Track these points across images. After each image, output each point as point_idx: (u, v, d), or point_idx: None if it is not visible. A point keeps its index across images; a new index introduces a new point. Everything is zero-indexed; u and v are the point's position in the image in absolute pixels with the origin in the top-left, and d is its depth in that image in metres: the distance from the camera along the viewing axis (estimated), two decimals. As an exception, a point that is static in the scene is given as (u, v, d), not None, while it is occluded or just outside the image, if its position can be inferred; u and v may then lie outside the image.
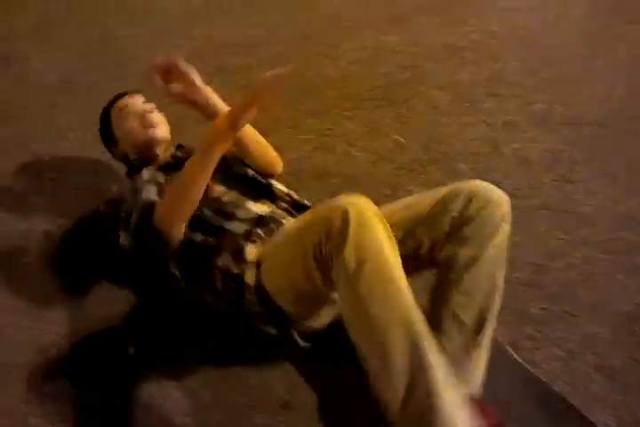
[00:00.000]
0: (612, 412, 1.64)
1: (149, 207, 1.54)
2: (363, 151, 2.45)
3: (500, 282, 1.50)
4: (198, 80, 1.56)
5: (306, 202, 1.86)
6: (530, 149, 2.43)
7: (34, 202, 2.26)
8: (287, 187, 1.91)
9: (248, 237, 1.63)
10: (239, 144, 1.78)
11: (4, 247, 2.10)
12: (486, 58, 2.93)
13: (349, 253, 1.28)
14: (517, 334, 1.81)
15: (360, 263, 1.28)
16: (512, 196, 2.31)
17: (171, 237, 1.51)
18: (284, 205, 1.81)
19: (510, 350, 1.72)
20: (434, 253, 1.55)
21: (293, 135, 2.54)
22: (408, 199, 1.65)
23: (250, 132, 1.79)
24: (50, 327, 1.86)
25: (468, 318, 1.44)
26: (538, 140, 2.48)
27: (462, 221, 1.51)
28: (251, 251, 1.59)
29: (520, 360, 1.69)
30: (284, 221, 1.71)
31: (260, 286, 1.51)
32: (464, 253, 1.48)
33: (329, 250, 1.32)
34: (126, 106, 1.92)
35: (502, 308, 1.51)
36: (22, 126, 2.60)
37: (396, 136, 2.50)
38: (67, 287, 1.97)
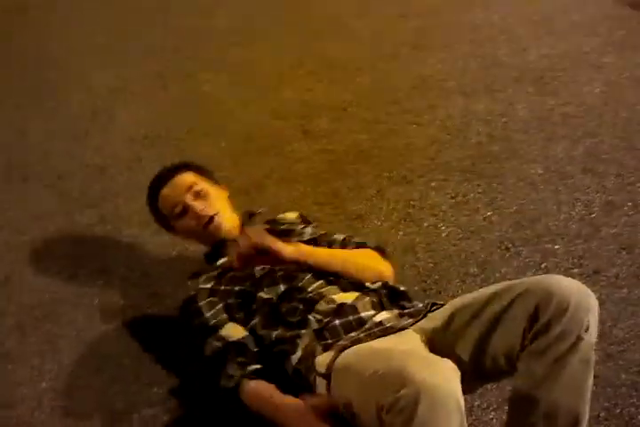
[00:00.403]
0: None
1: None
2: (451, 226, 2.34)
3: (585, 408, 1.32)
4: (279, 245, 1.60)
5: (401, 288, 1.71)
6: (632, 234, 2.27)
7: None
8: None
9: (321, 337, 1.52)
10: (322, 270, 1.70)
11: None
12: (581, 132, 2.80)
13: None
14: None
15: None
16: (612, 285, 2.25)
17: None
18: (373, 296, 1.64)
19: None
20: (507, 365, 1.39)
21: (378, 205, 2.46)
22: (481, 294, 1.46)
23: (333, 261, 1.72)
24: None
25: None
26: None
27: (535, 333, 1.31)
28: (323, 360, 1.45)
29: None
30: (365, 314, 1.57)
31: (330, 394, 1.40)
32: (538, 371, 1.30)
33: (389, 422, 1.16)
34: (173, 201, 1.88)
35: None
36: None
37: (489, 212, 2.38)
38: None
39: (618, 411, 1.69)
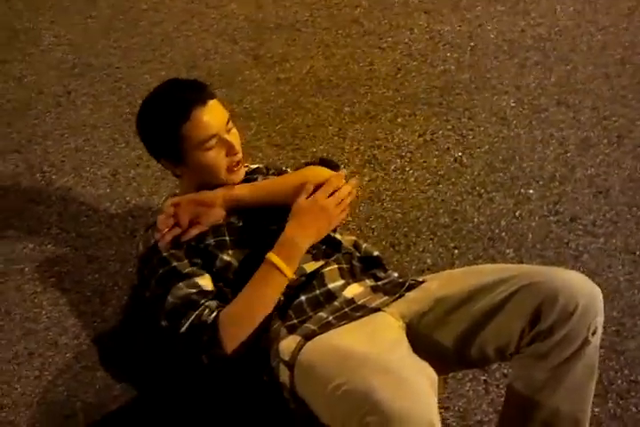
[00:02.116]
0: None
1: (199, 324, 1.34)
2: (419, 169, 2.19)
3: (587, 412, 1.26)
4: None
5: (375, 253, 1.54)
6: (609, 176, 2.16)
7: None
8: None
9: (285, 317, 1.36)
10: (270, 204, 1.51)
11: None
12: (554, 58, 2.63)
13: None
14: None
15: None
16: (590, 234, 2.17)
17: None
18: (343, 262, 1.47)
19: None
20: (497, 358, 1.30)
21: (339, 144, 2.28)
22: (470, 284, 1.31)
23: (271, 190, 1.52)
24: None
25: None
26: (617, 164, 2.20)
27: (535, 335, 1.21)
28: (287, 346, 1.29)
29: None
30: (333, 285, 1.41)
31: (294, 390, 1.26)
32: (539, 375, 1.22)
33: None
34: (213, 130, 1.44)
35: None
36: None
37: (459, 153, 2.23)
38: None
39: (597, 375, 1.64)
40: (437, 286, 1.36)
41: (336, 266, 1.45)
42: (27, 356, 1.68)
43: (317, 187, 1.45)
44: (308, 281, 1.42)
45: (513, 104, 2.43)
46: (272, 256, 1.36)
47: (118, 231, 1.96)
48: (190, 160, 1.46)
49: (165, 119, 1.43)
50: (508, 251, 1.94)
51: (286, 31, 2.82)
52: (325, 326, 1.31)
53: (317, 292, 1.40)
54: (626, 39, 2.73)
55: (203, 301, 1.36)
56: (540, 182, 2.14)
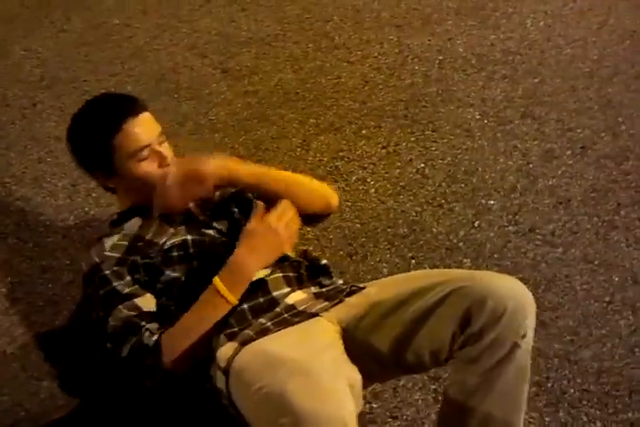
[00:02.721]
0: None
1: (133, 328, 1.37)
2: (380, 180, 2.21)
3: (520, 416, 1.26)
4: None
5: (322, 261, 1.53)
6: (570, 186, 2.18)
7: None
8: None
9: (226, 325, 1.36)
10: (260, 191, 1.55)
11: None
12: (522, 72, 2.66)
13: None
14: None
15: None
16: (548, 244, 2.18)
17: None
18: (290, 271, 1.48)
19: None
20: (432, 363, 1.30)
21: (303, 156, 2.30)
22: (405, 289, 1.32)
23: (269, 178, 1.56)
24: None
25: None
26: (579, 175, 2.22)
27: (466, 339, 1.22)
28: (225, 353, 1.29)
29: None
30: (278, 293, 1.42)
31: (230, 397, 1.26)
32: (471, 380, 1.22)
33: None
34: (144, 141, 1.48)
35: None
36: None
37: (422, 164, 2.25)
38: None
39: (550, 385, 1.65)
40: (376, 291, 1.37)
41: (281, 274, 1.46)
42: (-27, 365, 1.68)
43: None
44: (252, 289, 1.43)
45: (478, 116, 2.46)
46: (217, 282, 1.36)
47: (75, 242, 1.97)
48: (123, 172, 1.50)
49: (97, 130, 1.47)
50: (465, 260, 1.95)
51: (257, 45, 2.86)
52: (263, 332, 1.32)
53: (261, 300, 1.41)
54: (594, 53, 2.77)
55: (143, 323, 1.37)
56: (501, 193, 2.16)
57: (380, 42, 2.85)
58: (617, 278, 1.90)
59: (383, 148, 2.33)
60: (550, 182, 2.20)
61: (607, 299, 1.85)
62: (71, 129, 1.55)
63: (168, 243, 1.49)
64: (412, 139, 2.36)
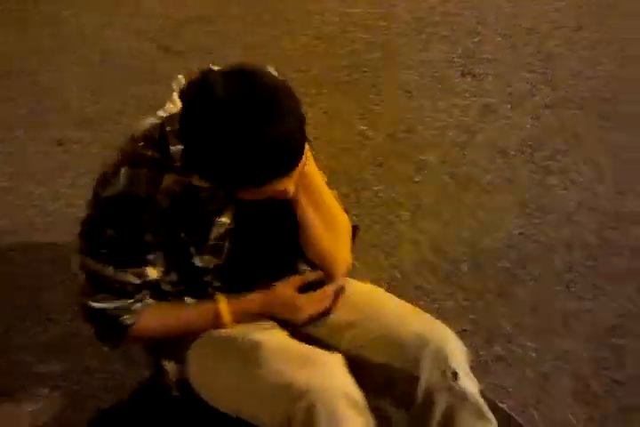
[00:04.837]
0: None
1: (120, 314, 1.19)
2: (322, 142, 2.31)
3: None
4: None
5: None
6: (508, 137, 2.29)
7: None
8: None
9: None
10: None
11: None
12: (462, 32, 2.76)
13: None
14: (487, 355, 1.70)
15: None
16: (485, 191, 2.28)
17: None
18: None
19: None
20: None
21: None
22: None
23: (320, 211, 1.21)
24: None
25: None
26: (517, 126, 2.33)
27: (398, 402, 1.21)
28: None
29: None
30: None
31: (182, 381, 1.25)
32: None
33: None
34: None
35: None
36: None
37: (363, 126, 2.36)
38: None
39: (485, 322, 1.75)
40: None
41: None
42: None
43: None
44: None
45: (417, 77, 2.56)
46: (222, 302, 1.21)
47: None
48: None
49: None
50: (404, 213, 2.06)
51: (198, 23, 2.94)
52: None
53: None
54: (534, 9, 2.88)
55: (133, 298, 1.18)
56: (441, 148, 2.27)
57: (321, 12, 2.94)
58: (552, 220, 2.01)
59: (325, 113, 2.43)
60: (488, 135, 2.31)
61: (542, 239, 1.96)
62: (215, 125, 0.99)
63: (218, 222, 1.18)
64: (354, 102, 2.46)
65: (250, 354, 1.15)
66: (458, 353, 1.19)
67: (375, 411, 1.13)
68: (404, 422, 1.21)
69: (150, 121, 1.13)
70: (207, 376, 1.22)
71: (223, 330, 1.22)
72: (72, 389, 1.62)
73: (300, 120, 1.02)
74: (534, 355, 1.69)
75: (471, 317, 1.75)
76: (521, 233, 1.98)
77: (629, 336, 1.71)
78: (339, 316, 1.26)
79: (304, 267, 1.30)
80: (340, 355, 1.14)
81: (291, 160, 1.00)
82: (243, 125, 0.96)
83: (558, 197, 2.08)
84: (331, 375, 1.10)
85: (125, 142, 1.13)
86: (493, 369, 1.65)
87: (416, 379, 1.16)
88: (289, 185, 1.05)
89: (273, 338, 1.18)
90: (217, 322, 1.21)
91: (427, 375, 1.16)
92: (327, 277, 1.26)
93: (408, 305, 1.28)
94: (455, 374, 1.16)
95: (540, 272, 1.88)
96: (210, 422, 1.19)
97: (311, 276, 1.27)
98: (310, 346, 1.17)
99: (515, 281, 1.86)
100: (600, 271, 1.87)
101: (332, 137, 2.33)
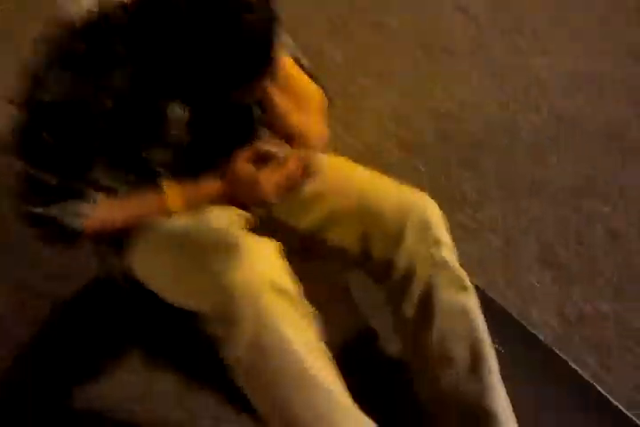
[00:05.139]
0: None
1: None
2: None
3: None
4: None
5: None
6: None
7: None
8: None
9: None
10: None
11: None
12: None
13: (242, 351, 0.96)
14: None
15: (258, 369, 0.97)
16: (449, 53, 2.15)
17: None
18: None
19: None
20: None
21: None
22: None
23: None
24: None
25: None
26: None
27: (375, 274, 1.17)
28: None
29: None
30: None
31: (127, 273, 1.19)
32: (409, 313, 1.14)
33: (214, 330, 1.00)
34: None
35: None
36: None
37: None
38: None
39: (449, 190, 1.71)
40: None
41: None
42: None
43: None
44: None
45: None
46: (168, 187, 1.13)
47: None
48: None
49: None
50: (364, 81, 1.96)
51: None
52: None
53: None
54: None
55: (77, 201, 1.11)
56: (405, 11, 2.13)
57: None
58: (521, 83, 1.93)
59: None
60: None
61: (506, 101, 1.89)
62: None
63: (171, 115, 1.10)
64: None
65: (184, 243, 1.08)
66: (440, 222, 1.14)
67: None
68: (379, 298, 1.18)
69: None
70: (146, 268, 1.16)
71: (166, 220, 1.12)
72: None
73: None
74: (500, 222, 1.67)
75: (435, 186, 1.71)
76: (487, 96, 1.91)
77: (594, 197, 1.69)
78: (304, 190, 1.17)
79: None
80: (275, 243, 1.03)
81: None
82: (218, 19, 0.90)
83: (527, 60, 1.98)
84: (256, 264, 0.98)
85: (58, 33, 0.99)
86: (458, 238, 1.63)
87: (396, 249, 1.11)
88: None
89: (212, 223, 1.08)
90: (163, 208, 1.13)
91: (408, 244, 1.11)
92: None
93: (383, 176, 1.21)
94: (438, 243, 1.12)
95: (505, 140, 1.82)
96: (160, 312, 1.14)
97: (269, 146, 1.15)
98: (246, 232, 1.07)
99: (482, 148, 1.80)
100: (568, 132, 1.81)
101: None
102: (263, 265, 0.99)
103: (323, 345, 1.00)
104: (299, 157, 1.14)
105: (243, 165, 1.13)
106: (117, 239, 1.18)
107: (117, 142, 1.08)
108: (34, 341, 1.39)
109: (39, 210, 1.08)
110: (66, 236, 1.12)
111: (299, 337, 0.96)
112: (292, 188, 1.14)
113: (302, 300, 1.00)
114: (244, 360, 0.96)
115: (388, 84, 1.96)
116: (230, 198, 1.15)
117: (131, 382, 1.29)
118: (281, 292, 0.97)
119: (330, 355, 0.99)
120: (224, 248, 1.00)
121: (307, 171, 1.14)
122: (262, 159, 1.13)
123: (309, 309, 1.00)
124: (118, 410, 1.25)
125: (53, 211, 1.08)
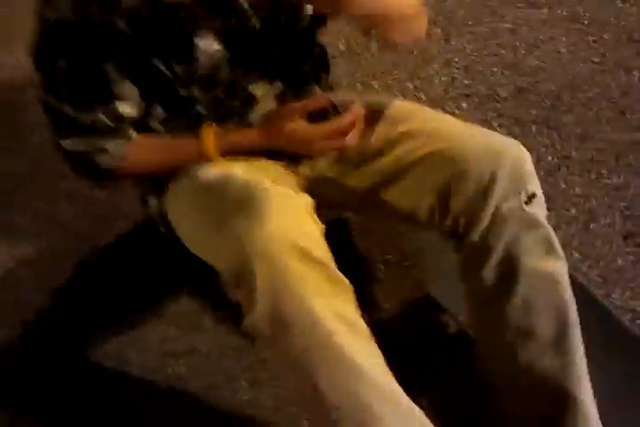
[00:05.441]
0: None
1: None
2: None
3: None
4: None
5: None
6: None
7: None
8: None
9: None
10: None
11: None
12: None
13: (261, 317, 0.84)
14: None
15: (280, 343, 0.85)
16: (532, 5, 1.93)
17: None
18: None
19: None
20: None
21: None
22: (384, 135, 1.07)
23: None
24: None
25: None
26: None
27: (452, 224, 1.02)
28: None
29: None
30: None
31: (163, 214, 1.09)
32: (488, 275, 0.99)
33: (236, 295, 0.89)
34: None
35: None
36: None
37: None
38: None
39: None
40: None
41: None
42: None
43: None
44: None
45: None
46: (208, 131, 1.02)
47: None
48: None
49: None
50: (436, 30, 1.76)
51: None
52: None
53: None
54: None
55: (108, 138, 1.01)
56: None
57: None
58: (608, 37, 1.71)
59: None
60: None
61: (597, 60, 1.68)
62: None
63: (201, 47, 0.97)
64: None
65: (211, 195, 0.96)
66: (534, 174, 1.00)
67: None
68: (448, 258, 1.04)
69: None
70: (176, 215, 1.06)
71: (202, 167, 1.01)
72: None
73: None
74: (579, 191, 1.48)
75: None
76: (570, 51, 1.70)
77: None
78: (369, 140, 1.05)
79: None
80: (308, 200, 0.91)
81: None
82: None
83: (617, 10, 1.76)
84: (278, 224, 0.85)
85: None
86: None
87: (482, 201, 0.96)
88: None
89: (242, 177, 0.94)
90: (201, 153, 1.02)
91: (499, 196, 0.96)
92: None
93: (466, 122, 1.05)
94: (531, 198, 0.97)
95: (589, 96, 1.62)
96: (193, 261, 1.02)
97: (324, 100, 1.03)
98: (280, 188, 0.91)
99: (562, 106, 1.61)
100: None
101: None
102: (286, 226, 0.85)
103: (360, 320, 0.85)
104: (359, 111, 1.00)
105: (292, 118, 1.00)
106: (159, 181, 1.08)
107: (145, 73, 0.97)
108: (72, 285, 1.34)
109: (67, 142, 1.01)
110: (97, 172, 1.04)
111: (325, 306, 0.83)
112: (348, 148, 1.01)
113: (332, 267, 0.87)
114: (263, 331, 0.85)
115: (458, 31, 1.76)
116: (276, 151, 1.04)
117: (172, 338, 1.24)
118: (304, 255, 0.84)
119: (368, 333, 0.85)
120: (247, 205, 0.87)
121: (361, 128, 1.00)
122: (316, 114, 1.00)
123: (342, 278, 0.87)
124: (154, 366, 1.20)
125: (81, 145, 1.01)
